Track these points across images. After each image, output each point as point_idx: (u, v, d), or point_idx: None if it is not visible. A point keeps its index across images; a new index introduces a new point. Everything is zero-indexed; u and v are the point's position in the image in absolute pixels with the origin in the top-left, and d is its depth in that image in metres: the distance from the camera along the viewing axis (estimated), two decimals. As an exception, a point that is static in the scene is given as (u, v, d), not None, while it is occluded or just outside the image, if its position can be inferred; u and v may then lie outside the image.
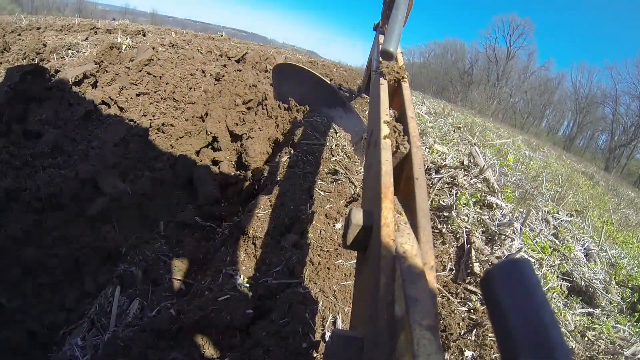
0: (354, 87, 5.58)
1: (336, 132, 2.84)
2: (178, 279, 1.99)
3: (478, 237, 2.04)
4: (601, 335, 1.70)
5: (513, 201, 2.61)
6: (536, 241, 2.21)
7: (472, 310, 1.56)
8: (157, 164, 2.79)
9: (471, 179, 2.56)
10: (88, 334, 1.71)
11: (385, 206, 0.60)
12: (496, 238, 2.08)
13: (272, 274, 1.66)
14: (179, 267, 2.10)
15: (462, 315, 1.55)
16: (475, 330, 1.48)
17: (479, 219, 2.20)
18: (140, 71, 3.04)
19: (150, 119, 2.83)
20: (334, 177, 2.33)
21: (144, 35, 4.53)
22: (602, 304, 1.96)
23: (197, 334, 1.48)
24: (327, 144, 2.64)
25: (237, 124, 3.10)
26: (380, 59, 1.10)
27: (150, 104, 2.92)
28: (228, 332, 1.45)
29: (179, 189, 2.85)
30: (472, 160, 2.81)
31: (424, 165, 1.76)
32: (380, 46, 1.10)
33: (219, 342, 1.44)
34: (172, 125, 2.90)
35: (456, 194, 2.33)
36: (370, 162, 0.90)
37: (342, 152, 2.59)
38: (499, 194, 2.50)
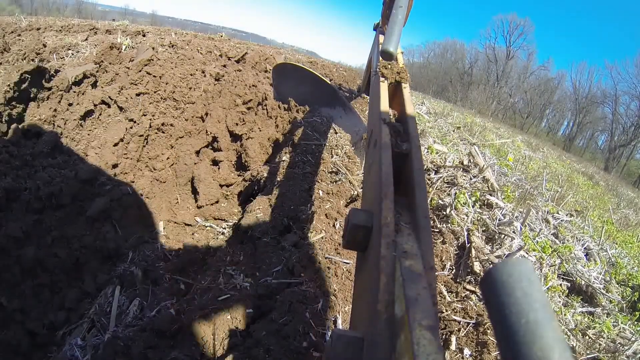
0: (353, 87, 5.58)
1: (336, 132, 2.84)
2: (178, 279, 1.99)
3: (478, 237, 2.04)
4: (602, 333, 1.70)
5: (513, 201, 2.61)
6: (536, 241, 2.21)
7: (472, 310, 1.56)
8: (157, 164, 2.79)
9: (471, 179, 2.56)
10: (88, 334, 1.71)
11: (385, 206, 0.60)
12: (496, 237, 2.08)
13: (272, 274, 1.66)
14: (179, 267, 2.10)
15: (462, 315, 1.55)
16: (475, 329, 1.48)
17: (479, 218, 2.20)
18: (140, 71, 3.03)
19: (150, 119, 2.83)
20: (334, 177, 2.33)
21: (144, 35, 4.53)
22: (603, 303, 1.96)
23: (198, 334, 1.48)
24: (327, 144, 2.64)
25: (237, 124, 3.10)
26: (380, 58, 1.10)
27: (150, 103, 2.92)
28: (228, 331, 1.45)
29: (179, 189, 2.85)
30: (471, 160, 2.81)
31: (424, 165, 1.76)
32: (380, 46, 1.10)
33: (219, 342, 1.44)
34: (172, 125, 2.90)
35: (455, 193, 2.33)
36: (370, 162, 0.90)
37: (342, 152, 2.59)
38: (499, 194, 2.50)
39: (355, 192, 2.19)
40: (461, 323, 1.50)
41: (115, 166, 2.56)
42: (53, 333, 1.82)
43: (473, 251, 1.89)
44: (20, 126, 2.50)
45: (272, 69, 3.47)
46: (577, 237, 2.56)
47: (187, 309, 1.53)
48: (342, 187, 2.18)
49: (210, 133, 3.04)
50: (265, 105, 3.17)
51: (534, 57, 31.30)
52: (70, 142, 2.60)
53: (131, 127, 2.73)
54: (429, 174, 2.61)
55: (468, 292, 1.70)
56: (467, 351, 1.40)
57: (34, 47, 3.22)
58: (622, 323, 1.81)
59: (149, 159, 2.78)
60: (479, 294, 1.67)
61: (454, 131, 4.64)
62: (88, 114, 2.74)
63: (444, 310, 1.57)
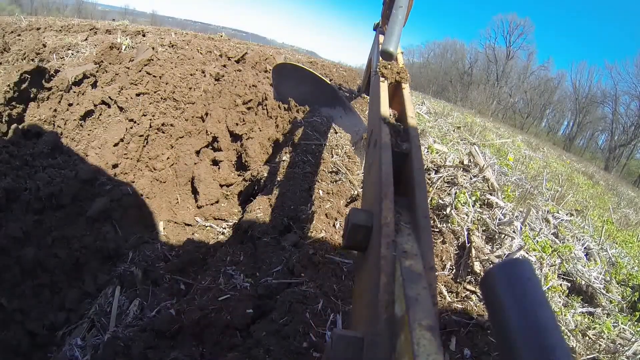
0: (353, 87, 5.58)
1: (336, 132, 2.84)
2: (178, 279, 1.99)
3: (478, 236, 2.04)
4: (602, 334, 1.70)
5: (513, 200, 2.61)
6: (536, 240, 2.21)
7: (472, 310, 1.56)
8: (157, 164, 2.79)
9: (471, 179, 2.56)
10: (88, 334, 1.71)
11: (385, 206, 0.60)
12: (496, 237, 2.08)
13: (272, 274, 1.66)
14: (179, 267, 2.10)
15: (462, 315, 1.55)
16: (475, 329, 1.48)
17: (479, 218, 2.20)
18: (140, 71, 3.03)
19: (150, 119, 2.83)
20: (334, 177, 2.33)
21: (144, 35, 4.53)
22: (603, 303, 1.96)
23: (197, 334, 1.48)
24: (327, 144, 2.64)
25: (237, 124, 3.10)
26: (380, 58, 1.10)
27: (150, 104, 2.92)
28: (228, 331, 1.45)
29: (179, 189, 2.85)
30: (471, 160, 2.81)
31: (424, 165, 1.76)
32: (380, 46, 1.10)
33: (219, 342, 1.44)
34: (172, 125, 2.90)
35: (455, 193, 2.33)
36: (370, 162, 0.90)
37: (342, 152, 2.59)
38: (499, 193, 2.50)
39: (356, 192, 2.19)
40: (461, 323, 1.50)
41: (115, 166, 2.56)
42: (53, 333, 1.82)
43: (473, 251, 1.89)
44: (20, 126, 2.50)
45: (272, 69, 3.47)
46: (577, 237, 2.56)
47: (187, 309, 1.53)
48: (342, 187, 2.18)
49: (211, 133, 3.04)
50: (265, 105, 3.17)
51: (534, 57, 31.31)
52: (70, 142, 2.60)
53: (131, 127, 2.73)
54: (429, 174, 2.61)
55: (468, 292, 1.70)
56: (467, 351, 1.40)
57: (34, 47, 3.22)
58: (622, 323, 1.81)
59: (149, 159, 2.78)
60: (479, 294, 1.67)
61: (454, 131, 4.65)
62: (88, 114, 2.74)
63: (444, 310, 1.57)
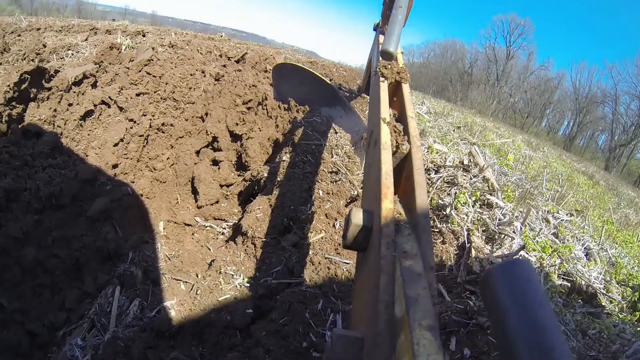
0: (354, 87, 5.58)
1: (336, 132, 2.84)
2: (178, 279, 1.99)
3: (478, 237, 2.04)
4: (602, 334, 1.70)
5: (513, 200, 2.61)
6: (536, 240, 2.21)
7: (471, 310, 1.56)
8: (157, 164, 2.79)
9: (471, 179, 2.56)
10: (88, 334, 1.71)
11: (385, 206, 0.60)
12: (496, 237, 2.08)
13: (272, 274, 1.67)
14: (179, 267, 2.10)
15: (462, 315, 1.54)
16: (475, 329, 1.48)
17: (479, 218, 2.20)
18: (140, 71, 3.03)
19: (150, 119, 2.83)
20: (334, 177, 2.33)
21: (144, 35, 4.53)
22: (603, 303, 1.96)
23: (197, 334, 1.48)
24: (327, 144, 2.64)
25: (237, 124, 3.10)
26: (381, 59, 1.10)
27: (150, 103, 2.92)
28: (228, 331, 1.45)
29: (179, 189, 2.85)
30: (472, 160, 2.81)
31: (424, 165, 1.76)
32: (380, 46, 1.10)
33: (219, 342, 1.44)
34: (172, 125, 2.90)
35: (455, 193, 2.33)
36: (370, 162, 0.90)
37: (342, 152, 2.59)
38: (499, 193, 2.50)
39: (355, 192, 2.19)
40: (461, 323, 1.50)
41: (115, 166, 2.56)
42: (53, 333, 1.82)
43: (473, 251, 1.89)
44: (20, 126, 2.50)
45: (272, 69, 3.47)
46: (577, 237, 2.56)
47: (187, 309, 1.53)
48: (342, 187, 2.18)
49: (210, 133, 3.04)
50: (265, 105, 3.17)
51: (534, 57, 31.30)
52: (70, 142, 2.60)
53: (131, 127, 2.73)
54: (429, 174, 2.61)
55: (468, 292, 1.70)
56: (467, 351, 1.40)
57: (34, 47, 3.22)
58: (622, 323, 1.81)
59: (149, 159, 2.78)
60: (479, 294, 1.67)
61: (454, 131, 4.65)
62: (88, 114, 2.74)
63: (444, 310, 1.57)
